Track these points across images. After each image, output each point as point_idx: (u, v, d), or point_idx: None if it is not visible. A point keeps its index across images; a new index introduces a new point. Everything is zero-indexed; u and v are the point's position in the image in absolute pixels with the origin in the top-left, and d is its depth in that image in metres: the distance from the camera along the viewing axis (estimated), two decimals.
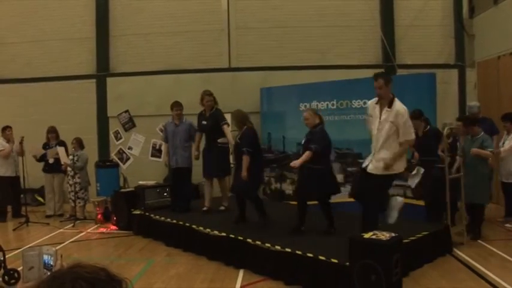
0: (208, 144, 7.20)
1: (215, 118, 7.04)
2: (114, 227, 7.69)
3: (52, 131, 8.76)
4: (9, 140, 8.51)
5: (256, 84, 9.41)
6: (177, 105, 7.42)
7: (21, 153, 8.22)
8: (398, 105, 4.82)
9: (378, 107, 4.94)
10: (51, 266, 1.67)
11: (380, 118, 4.87)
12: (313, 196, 5.71)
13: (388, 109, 4.83)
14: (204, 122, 7.18)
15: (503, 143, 6.99)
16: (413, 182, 6.22)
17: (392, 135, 4.80)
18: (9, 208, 8.76)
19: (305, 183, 5.67)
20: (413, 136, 4.92)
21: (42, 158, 8.67)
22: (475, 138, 6.46)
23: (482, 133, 6.50)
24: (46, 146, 8.71)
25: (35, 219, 8.31)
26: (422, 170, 6.07)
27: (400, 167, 4.92)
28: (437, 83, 7.35)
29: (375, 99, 5.01)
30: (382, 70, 9.68)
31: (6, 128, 8.58)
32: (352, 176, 7.09)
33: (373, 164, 4.92)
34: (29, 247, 1.78)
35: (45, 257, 1.67)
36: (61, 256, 1.77)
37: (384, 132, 4.83)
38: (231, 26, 10.10)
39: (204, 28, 10.10)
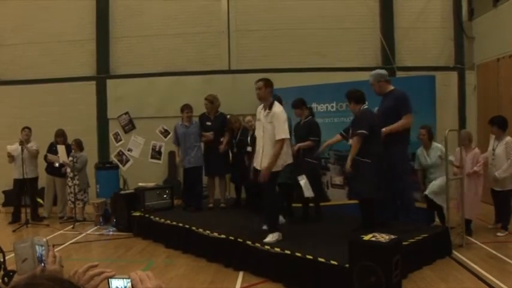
0: (211, 144, 7.55)
1: (221, 121, 7.61)
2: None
3: (60, 135, 8.65)
4: (22, 142, 8.22)
5: None
6: (187, 108, 7.70)
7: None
8: (276, 108, 5.30)
9: (262, 112, 5.41)
10: (43, 258, 1.64)
11: (264, 120, 5.35)
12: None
13: (269, 111, 5.30)
14: (209, 123, 7.62)
15: (493, 149, 6.63)
16: (307, 189, 6.15)
17: (274, 134, 5.23)
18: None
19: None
20: (284, 135, 5.18)
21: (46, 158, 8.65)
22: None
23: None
24: (53, 147, 8.68)
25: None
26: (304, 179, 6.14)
27: (279, 164, 5.26)
28: (437, 86, 7.36)
29: (262, 105, 5.46)
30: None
31: (24, 129, 8.51)
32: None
33: (264, 162, 5.28)
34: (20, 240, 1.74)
35: (37, 248, 1.64)
36: (52, 246, 1.74)
37: (267, 132, 5.28)
38: (231, 28, 10.13)
39: (204, 30, 10.13)
